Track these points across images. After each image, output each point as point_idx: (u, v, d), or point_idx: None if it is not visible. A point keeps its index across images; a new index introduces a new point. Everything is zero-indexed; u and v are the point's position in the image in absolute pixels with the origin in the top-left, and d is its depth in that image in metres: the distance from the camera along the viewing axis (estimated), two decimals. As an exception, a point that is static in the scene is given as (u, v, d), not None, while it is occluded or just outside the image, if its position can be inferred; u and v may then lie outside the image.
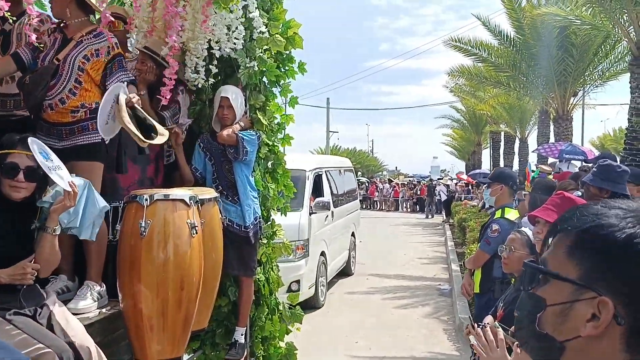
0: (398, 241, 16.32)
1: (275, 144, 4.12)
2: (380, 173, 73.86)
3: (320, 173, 8.70)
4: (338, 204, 9.50)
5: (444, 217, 23.05)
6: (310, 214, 7.63)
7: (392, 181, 36.93)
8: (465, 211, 15.80)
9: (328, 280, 8.74)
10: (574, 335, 0.82)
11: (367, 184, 37.76)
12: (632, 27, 10.04)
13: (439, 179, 31.04)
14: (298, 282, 7.16)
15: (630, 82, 10.04)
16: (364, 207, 34.40)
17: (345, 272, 10.21)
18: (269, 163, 4.08)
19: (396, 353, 6.14)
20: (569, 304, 0.83)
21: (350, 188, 10.99)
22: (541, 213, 2.67)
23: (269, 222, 4.06)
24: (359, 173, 64.10)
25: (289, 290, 6.75)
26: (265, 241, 3.96)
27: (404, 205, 32.29)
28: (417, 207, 30.39)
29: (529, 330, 0.88)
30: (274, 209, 4.09)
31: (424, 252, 13.99)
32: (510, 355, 1.82)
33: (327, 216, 8.48)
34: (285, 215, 4.26)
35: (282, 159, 4.17)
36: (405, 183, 34.79)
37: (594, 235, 0.83)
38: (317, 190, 8.49)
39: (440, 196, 25.87)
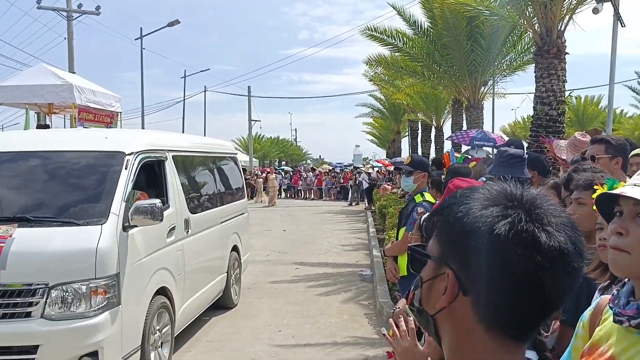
0: (322, 229, 16.49)
1: None
2: (304, 162, 74.32)
3: (160, 159, 5.49)
4: (200, 209, 6.40)
5: (367, 205, 23.54)
6: (124, 228, 4.44)
7: (315, 169, 37.22)
8: (386, 198, 16.20)
9: (176, 333, 5.50)
10: (437, 308, 0.89)
11: (290, 173, 37.88)
12: (535, 18, 10.60)
13: (356, 167, 31.73)
14: (95, 355, 4.06)
15: (535, 72, 10.63)
16: (288, 196, 34.57)
17: (221, 304, 7.26)
18: None
19: (318, 340, 6.20)
20: (432, 280, 0.91)
21: (230, 184, 7.93)
22: (440, 202, 2.80)
23: None
24: (283, 162, 64.35)
25: None
26: None
27: (328, 193, 32.65)
28: (341, 195, 30.83)
29: (412, 306, 0.96)
30: None
31: (347, 239, 14.22)
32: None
33: (173, 229, 5.40)
34: None
35: None
36: (328, 171, 35.22)
37: (447, 215, 0.90)
38: (157, 188, 5.49)
39: (362, 184, 26.39)
